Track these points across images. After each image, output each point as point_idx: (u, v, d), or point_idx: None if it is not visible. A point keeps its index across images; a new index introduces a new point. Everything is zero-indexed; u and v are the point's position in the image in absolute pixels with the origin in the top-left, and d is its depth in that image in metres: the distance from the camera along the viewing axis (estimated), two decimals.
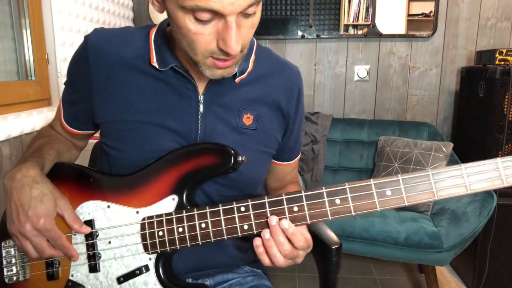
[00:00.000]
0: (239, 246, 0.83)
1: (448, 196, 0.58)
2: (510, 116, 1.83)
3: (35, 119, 1.39)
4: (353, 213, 0.60)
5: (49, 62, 1.59)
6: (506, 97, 1.82)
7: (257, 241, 0.63)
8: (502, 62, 1.88)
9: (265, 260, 0.64)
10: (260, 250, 0.63)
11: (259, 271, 0.90)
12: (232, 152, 0.67)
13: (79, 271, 0.71)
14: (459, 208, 1.72)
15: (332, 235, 0.88)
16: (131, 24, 2.29)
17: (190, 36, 0.59)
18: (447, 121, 2.43)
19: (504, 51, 1.88)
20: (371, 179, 0.60)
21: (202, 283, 0.81)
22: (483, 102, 1.92)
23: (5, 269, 0.73)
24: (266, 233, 0.62)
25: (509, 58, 1.87)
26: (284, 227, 0.62)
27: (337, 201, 0.61)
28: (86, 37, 0.74)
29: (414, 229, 1.67)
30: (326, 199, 0.61)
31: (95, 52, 0.72)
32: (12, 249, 0.73)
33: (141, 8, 2.34)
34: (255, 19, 0.61)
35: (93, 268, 0.70)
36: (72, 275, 0.71)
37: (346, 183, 0.61)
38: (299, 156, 0.92)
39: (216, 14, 0.56)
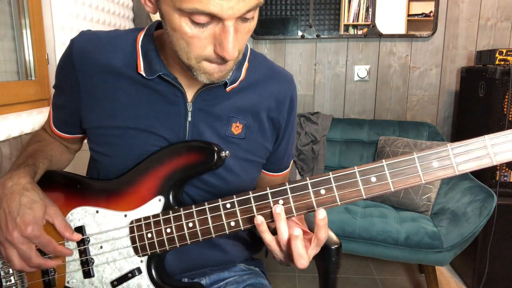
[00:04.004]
0: (233, 243, 0.83)
1: (436, 179, 0.55)
2: (510, 116, 1.83)
3: (35, 119, 1.39)
4: (339, 203, 0.58)
5: (49, 62, 1.59)
6: (506, 97, 1.81)
7: (267, 237, 0.61)
8: (502, 62, 1.88)
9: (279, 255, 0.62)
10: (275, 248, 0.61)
11: (256, 269, 0.90)
12: (215, 148, 0.66)
13: (74, 277, 0.71)
14: (459, 208, 1.71)
15: (331, 235, 0.88)
16: (131, 24, 2.29)
17: (186, 39, 0.57)
18: (447, 121, 2.43)
19: (504, 51, 1.88)
20: (355, 167, 0.58)
21: (197, 282, 0.81)
22: (483, 102, 1.92)
23: (3, 280, 0.72)
24: (296, 231, 0.58)
25: (509, 58, 1.87)
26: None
27: (322, 192, 0.59)
28: (72, 41, 0.72)
29: (414, 229, 1.67)
30: (311, 190, 0.59)
31: (81, 57, 0.71)
32: None
33: (141, 8, 2.34)
34: (252, 24, 0.60)
35: (87, 274, 0.70)
36: (68, 282, 0.71)
37: (330, 173, 0.59)
38: (288, 170, 0.89)
39: (214, 18, 0.55)
